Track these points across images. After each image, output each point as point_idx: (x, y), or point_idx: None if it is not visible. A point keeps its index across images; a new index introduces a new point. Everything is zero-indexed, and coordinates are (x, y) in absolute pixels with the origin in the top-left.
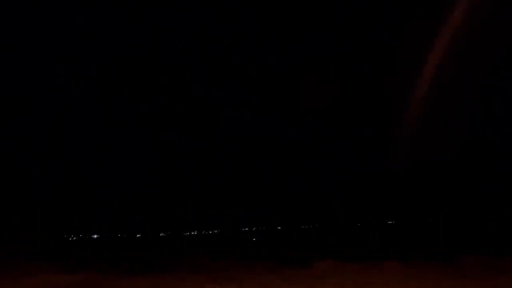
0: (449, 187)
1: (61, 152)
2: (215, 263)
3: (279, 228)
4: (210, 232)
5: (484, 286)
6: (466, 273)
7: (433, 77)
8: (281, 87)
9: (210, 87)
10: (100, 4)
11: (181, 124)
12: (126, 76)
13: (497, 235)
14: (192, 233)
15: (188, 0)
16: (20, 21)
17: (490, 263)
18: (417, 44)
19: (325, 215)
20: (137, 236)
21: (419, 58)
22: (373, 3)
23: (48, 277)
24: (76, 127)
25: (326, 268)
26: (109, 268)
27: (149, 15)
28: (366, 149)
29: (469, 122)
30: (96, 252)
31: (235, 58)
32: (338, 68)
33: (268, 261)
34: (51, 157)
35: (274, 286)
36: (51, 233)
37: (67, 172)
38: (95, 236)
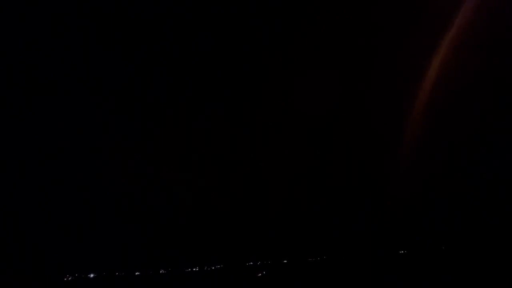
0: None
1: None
2: None
3: (285, 261)
4: (213, 267)
5: None
6: None
7: (436, 78)
8: (281, 87)
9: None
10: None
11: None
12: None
13: None
14: (194, 269)
15: None
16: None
17: None
18: (420, 44)
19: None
20: (136, 274)
21: (421, 58)
22: (375, 4)
23: None
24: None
25: None
26: None
27: (148, 14)
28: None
29: (473, 124)
30: None
31: (233, 60)
32: (339, 70)
33: None
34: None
35: None
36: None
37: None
38: (92, 276)
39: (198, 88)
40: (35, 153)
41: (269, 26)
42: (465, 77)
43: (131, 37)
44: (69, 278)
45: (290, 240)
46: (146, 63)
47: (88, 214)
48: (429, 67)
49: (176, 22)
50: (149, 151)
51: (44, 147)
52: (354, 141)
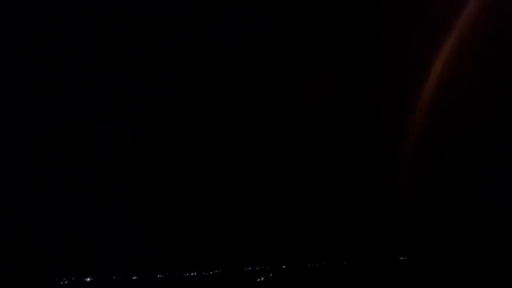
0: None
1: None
2: None
3: (284, 267)
4: (211, 272)
5: None
6: None
7: (437, 79)
8: (281, 87)
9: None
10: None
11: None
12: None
13: None
14: (192, 274)
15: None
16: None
17: None
18: (421, 45)
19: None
20: (133, 278)
21: (423, 59)
22: (376, 5)
23: None
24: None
25: None
26: None
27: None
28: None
29: (475, 125)
30: None
31: (234, 58)
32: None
33: None
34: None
35: None
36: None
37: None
38: (88, 280)
39: (197, 88)
40: (33, 156)
41: (269, 25)
42: (467, 78)
43: (130, 37)
44: (66, 282)
45: (290, 245)
46: (147, 62)
47: (86, 217)
48: (431, 68)
49: (176, 21)
50: (148, 153)
51: (44, 150)
52: (354, 145)
